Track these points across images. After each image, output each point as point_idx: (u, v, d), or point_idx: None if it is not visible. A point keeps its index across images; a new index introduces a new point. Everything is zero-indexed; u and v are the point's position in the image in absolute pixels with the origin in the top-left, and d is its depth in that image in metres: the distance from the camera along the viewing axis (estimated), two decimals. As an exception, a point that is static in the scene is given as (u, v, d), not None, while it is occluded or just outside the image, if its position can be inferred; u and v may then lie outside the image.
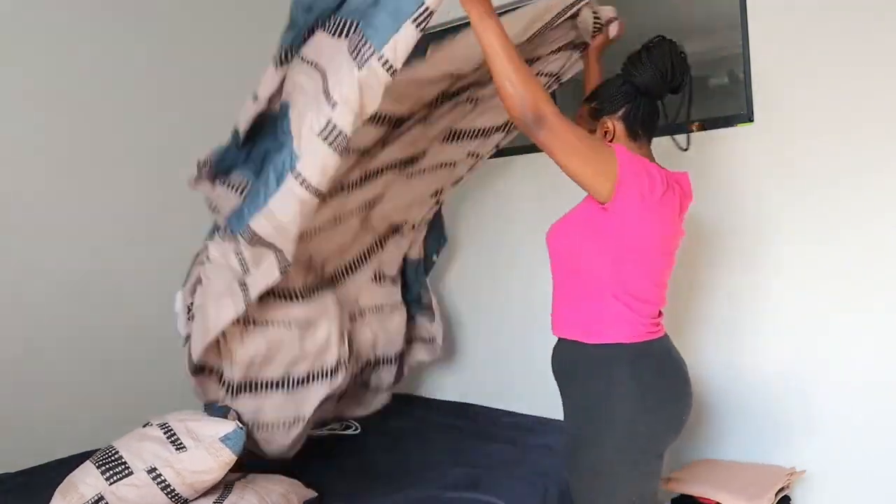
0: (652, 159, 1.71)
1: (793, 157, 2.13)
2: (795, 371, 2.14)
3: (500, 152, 2.59)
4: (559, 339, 1.76)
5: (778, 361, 2.18)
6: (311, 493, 1.95)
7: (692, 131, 2.33)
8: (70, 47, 2.57)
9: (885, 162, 1.99)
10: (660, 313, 1.71)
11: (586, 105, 1.77)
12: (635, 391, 1.60)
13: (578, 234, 1.67)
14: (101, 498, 1.62)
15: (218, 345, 1.96)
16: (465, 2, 1.49)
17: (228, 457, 1.72)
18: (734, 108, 2.33)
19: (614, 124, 1.69)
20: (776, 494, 1.91)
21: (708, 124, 2.32)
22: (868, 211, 2.02)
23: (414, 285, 2.73)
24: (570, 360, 1.72)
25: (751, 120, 2.23)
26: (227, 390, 2.01)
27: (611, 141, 1.68)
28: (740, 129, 2.24)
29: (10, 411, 2.38)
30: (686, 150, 1.85)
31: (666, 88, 1.70)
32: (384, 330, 2.53)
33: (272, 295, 1.98)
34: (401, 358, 2.65)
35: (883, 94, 1.99)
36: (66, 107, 2.56)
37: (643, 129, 1.71)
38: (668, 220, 1.66)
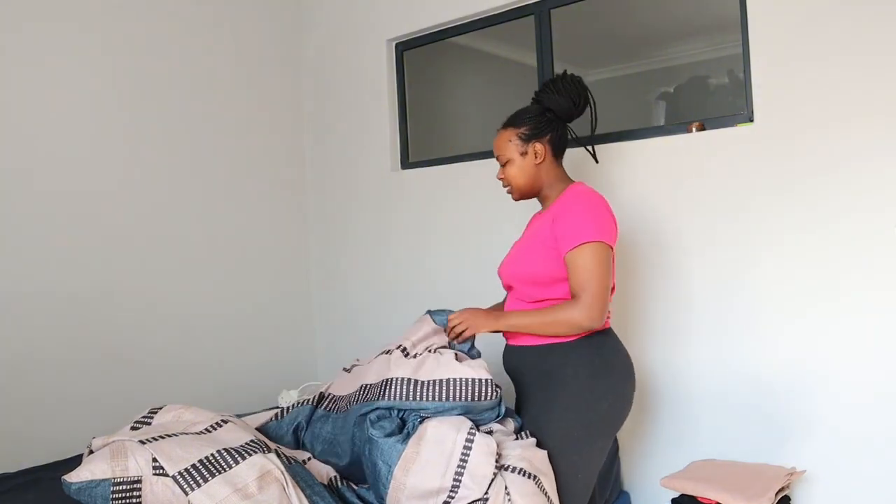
0: (565, 172, 1.96)
1: (793, 156, 2.13)
2: (795, 371, 2.14)
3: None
4: (528, 347, 1.87)
5: (777, 362, 2.17)
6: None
7: (692, 131, 2.34)
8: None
9: (886, 161, 1.99)
10: None
11: (512, 129, 1.92)
12: (602, 375, 1.80)
13: (540, 260, 1.83)
14: (139, 481, 1.62)
15: None
16: (481, 326, 1.86)
17: None
18: (734, 108, 2.33)
19: (544, 147, 1.90)
20: (776, 494, 1.91)
21: (708, 124, 2.33)
22: (869, 211, 2.01)
23: None
24: (542, 361, 1.86)
25: (751, 120, 2.24)
26: None
27: (541, 162, 1.90)
28: (740, 129, 2.24)
29: (10, 411, 2.38)
30: (598, 162, 2.15)
31: (576, 114, 1.94)
32: None
33: None
34: None
35: (883, 94, 1.98)
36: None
37: (562, 150, 1.95)
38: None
